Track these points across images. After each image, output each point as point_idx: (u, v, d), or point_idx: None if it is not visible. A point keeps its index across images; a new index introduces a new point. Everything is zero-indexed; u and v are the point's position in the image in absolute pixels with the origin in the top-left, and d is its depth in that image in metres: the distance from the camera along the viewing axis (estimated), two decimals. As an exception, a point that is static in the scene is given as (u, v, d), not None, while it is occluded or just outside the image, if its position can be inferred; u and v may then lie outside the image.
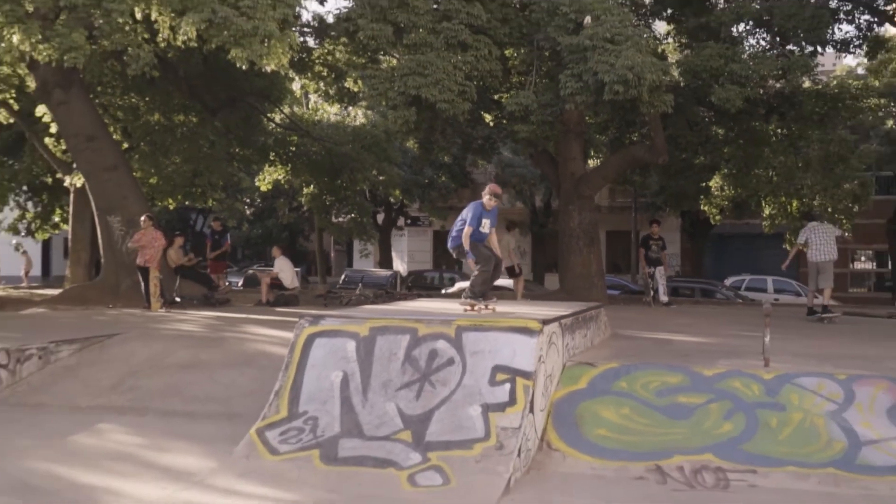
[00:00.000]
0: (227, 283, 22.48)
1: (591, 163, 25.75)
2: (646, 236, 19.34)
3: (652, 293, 19.21)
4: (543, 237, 38.31)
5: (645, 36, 17.50)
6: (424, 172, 34.74)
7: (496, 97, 20.19)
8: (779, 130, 22.68)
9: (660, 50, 20.15)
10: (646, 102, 16.25)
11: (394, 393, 8.48)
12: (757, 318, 12.16)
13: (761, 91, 19.38)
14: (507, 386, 8.27)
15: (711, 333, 12.90)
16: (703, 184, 26.82)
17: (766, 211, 26.17)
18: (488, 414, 8.07)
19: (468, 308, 10.05)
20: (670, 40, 22.86)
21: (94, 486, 7.57)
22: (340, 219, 33.47)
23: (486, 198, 10.27)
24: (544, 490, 7.47)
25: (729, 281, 30.78)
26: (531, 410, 8.17)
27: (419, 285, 31.34)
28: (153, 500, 7.18)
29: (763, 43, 20.48)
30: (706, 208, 28.79)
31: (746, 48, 19.92)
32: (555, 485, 7.63)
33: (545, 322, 8.88)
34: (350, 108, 30.51)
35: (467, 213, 10.22)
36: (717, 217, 29.70)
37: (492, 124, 21.79)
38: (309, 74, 24.00)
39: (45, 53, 15.58)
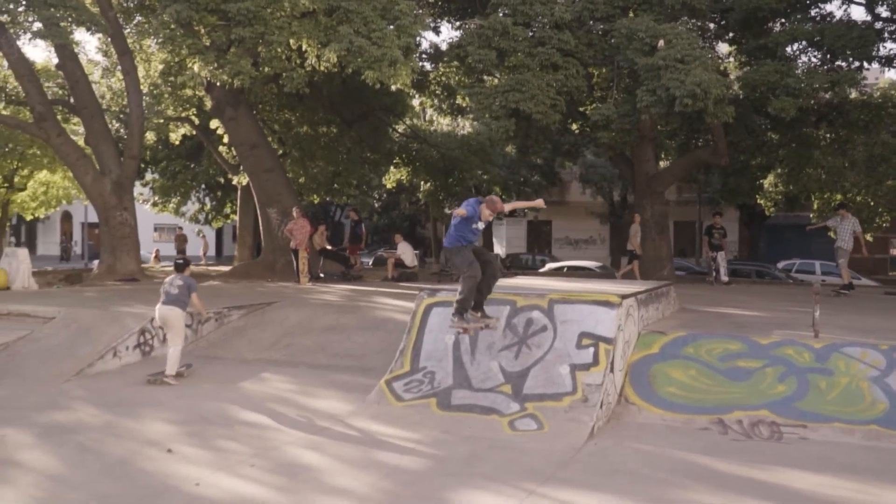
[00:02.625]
0: (360, 263, 22.83)
1: (662, 164, 25.06)
2: (709, 225, 18.82)
3: (714, 274, 18.63)
4: (620, 227, 37.61)
5: (710, 56, 16.89)
6: (520, 172, 34.47)
7: (582, 109, 19.84)
8: (828, 135, 21.60)
9: (722, 68, 19.42)
10: (711, 113, 15.73)
11: (496, 353, 8.50)
12: (807, 296, 11.65)
13: (812, 102, 18.43)
14: (591, 349, 8.19)
15: (766, 308, 12.43)
16: (759, 181, 25.88)
17: (816, 205, 25.01)
18: (575, 372, 8.01)
19: (461, 331, 8.09)
20: (732, 59, 22.03)
21: (259, 422, 7.84)
22: (450, 211, 33.58)
23: (486, 212, 8.04)
24: (622, 436, 7.37)
25: (781, 265, 29.52)
26: (611, 370, 8.06)
27: (515, 266, 31.26)
28: (306, 435, 7.39)
29: (815, 60, 19.46)
30: (762, 202, 27.80)
31: (800, 65, 19.00)
32: (631, 432, 7.51)
33: (624, 297, 8.76)
34: (459, 119, 30.51)
35: (466, 206, 8.10)
36: (772, 209, 28.64)
37: (577, 132, 21.48)
38: (426, 92, 24.15)
39: (219, 78, 16.10)
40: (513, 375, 8.20)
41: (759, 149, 22.28)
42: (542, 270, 27.83)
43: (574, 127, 21.24)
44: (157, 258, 29.50)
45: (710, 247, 18.50)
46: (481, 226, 8.24)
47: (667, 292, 11.56)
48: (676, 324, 10.08)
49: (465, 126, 30.68)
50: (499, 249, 39.34)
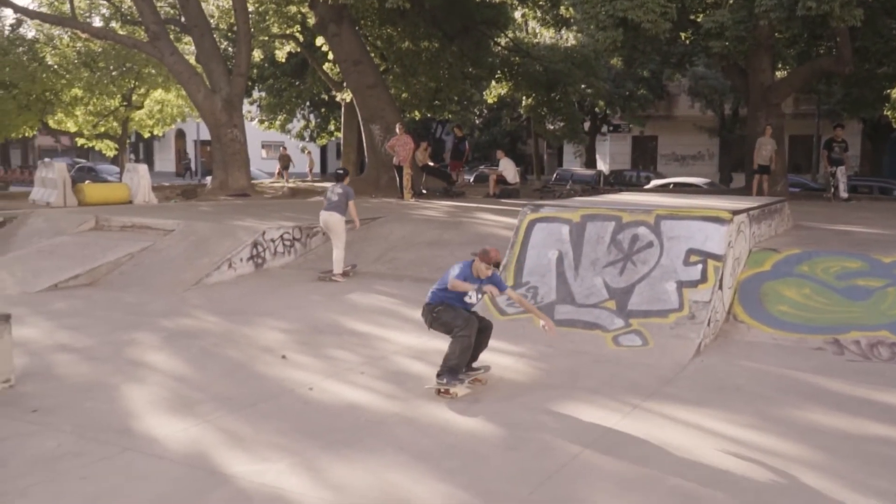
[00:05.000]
0: (462, 179, 22.83)
1: (778, 74, 23.61)
2: (829, 139, 17.78)
3: (832, 190, 17.68)
4: (730, 141, 36.02)
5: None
6: (625, 85, 33.26)
7: (693, 17, 18.78)
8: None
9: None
10: (836, 16, 14.55)
11: (601, 269, 8.38)
12: (936, 214, 10.92)
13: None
14: (700, 266, 7.96)
15: (889, 226, 11.72)
16: (886, 91, 24.01)
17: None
18: (682, 289, 7.82)
19: (442, 391, 6.01)
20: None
21: (367, 332, 8.08)
22: (553, 126, 32.93)
23: (481, 265, 6.12)
24: (730, 354, 7.21)
25: (906, 181, 27.70)
26: (720, 287, 7.84)
27: (619, 182, 30.53)
28: (412, 345, 7.57)
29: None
30: (888, 114, 25.86)
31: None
32: (739, 350, 7.34)
33: (735, 213, 8.43)
34: (563, 31, 29.54)
35: (453, 270, 6.25)
36: (899, 122, 26.70)
37: (688, 41, 20.42)
38: (529, 3, 23.40)
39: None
40: (617, 291, 8.09)
41: (889, 55, 20.57)
42: (646, 187, 27.11)
43: (684, 36, 20.17)
44: (280, 174, 30.34)
45: (829, 161, 17.53)
46: (475, 299, 6.36)
47: (780, 209, 11.05)
48: (790, 241, 9.66)
49: (569, 38, 29.66)
50: (602, 166, 38.47)
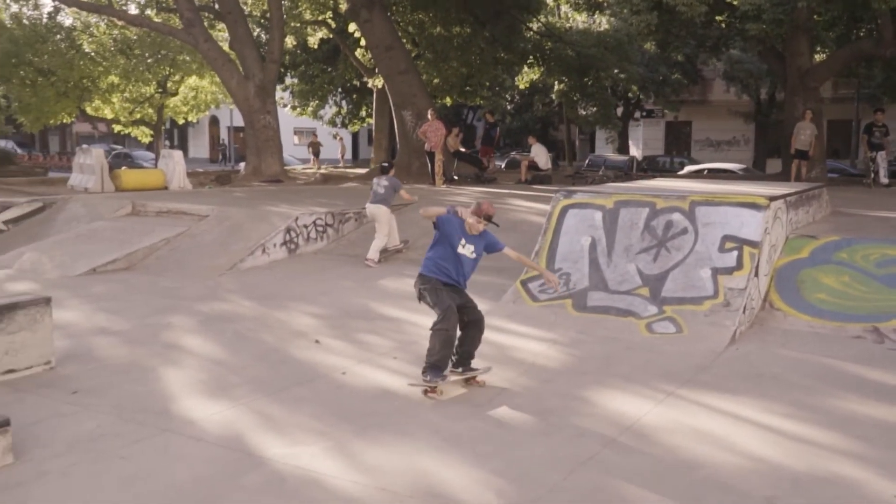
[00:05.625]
0: (494, 165, 22.75)
1: (817, 57, 23.14)
2: (869, 123, 17.37)
3: (872, 176, 17.29)
4: (767, 126, 35.41)
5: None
6: (659, 70, 32.85)
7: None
8: None
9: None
10: (878, -2, 14.26)
11: (634, 256, 8.31)
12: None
13: None
14: (735, 253, 7.86)
15: (931, 213, 11.45)
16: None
17: None
18: (717, 276, 7.73)
19: (428, 391, 5.62)
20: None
21: (398, 317, 8.11)
22: (585, 112, 32.66)
23: (471, 219, 5.78)
24: (766, 342, 7.11)
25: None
26: (756, 274, 7.73)
27: (652, 168, 30.19)
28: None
29: None
30: (930, 98, 25.23)
31: None
32: (775, 338, 7.23)
33: (772, 199, 8.30)
34: (596, 15, 29.23)
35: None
36: (942, 106, 25.99)
37: (724, 24, 20.05)
38: (562, -13, 23.20)
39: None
40: (651, 278, 8.02)
41: (933, 38, 20.09)
42: (680, 173, 26.80)
43: (720, 19, 19.83)
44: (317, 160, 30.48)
45: (869, 146, 17.15)
46: (470, 251, 5.80)
47: (818, 195, 10.86)
48: (829, 228, 9.50)
49: (602, 22, 29.33)
50: (634, 151, 38.07)
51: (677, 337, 7.20)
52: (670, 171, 28.48)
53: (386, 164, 12.02)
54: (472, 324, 5.79)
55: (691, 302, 7.60)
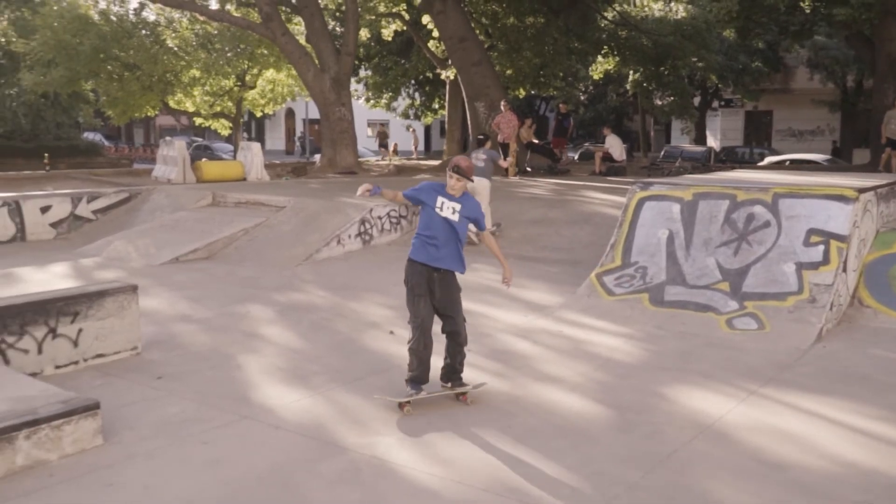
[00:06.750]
0: (567, 157, 22.49)
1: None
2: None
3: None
4: (854, 115, 33.98)
5: None
6: (739, 58, 31.86)
7: (816, -17, 17.81)
8: None
9: None
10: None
11: (713, 249, 8.08)
12: None
13: None
14: (821, 247, 7.55)
15: None
16: None
17: None
18: (802, 271, 7.44)
19: (404, 403, 5.21)
20: None
21: (471, 309, 7.99)
22: (661, 102, 31.98)
23: (451, 180, 5.27)
24: (855, 341, 6.82)
25: None
26: (844, 270, 7.41)
27: (731, 159, 29.35)
28: (518, 323, 7.52)
29: None
30: None
31: None
32: (865, 336, 6.93)
33: (861, 191, 7.93)
34: (672, 3, 28.55)
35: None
36: None
37: (809, 9, 19.30)
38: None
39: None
40: (731, 273, 7.78)
41: None
42: (761, 164, 25.96)
43: (805, 4, 19.11)
44: (396, 151, 30.72)
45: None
46: (452, 211, 5.24)
47: (912, 187, 10.34)
48: (923, 222, 9.04)
49: (679, 10, 28.66)
50: (712, 142, 37.12)
51: (759, 334, 6.97)
52: (750, 163, 27.63)
53: (482, 137, 12.02)
54: (449, 336, 5.34)
55: (774, 298, 7.34)
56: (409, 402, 5.21)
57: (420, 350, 5.21)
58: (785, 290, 7.37)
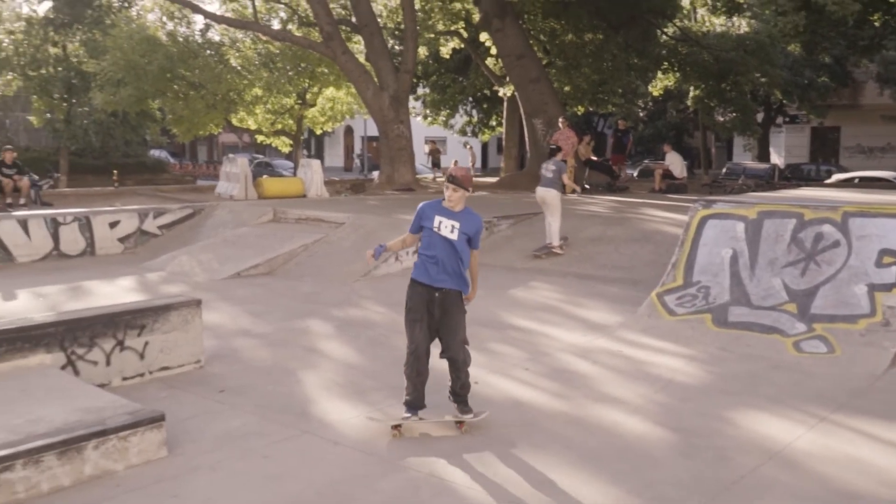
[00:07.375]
0: (626, 174, 22.26)
1: None
2: None
3: None
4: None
5: None
6: (804, 73, 31.14)
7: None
8: None
9: None
10: None
11: (779, 269, 7.87)
12: None
13: None
14: (894, 269, 7.28)
15: None
16: None
17: None
18: (874, 293, 7.19)
19: (394, 427, 5.11)
20: None
21: (530, 328, 8.02)
22: (723, 118, 31.44)
23: (448, 190, 5.13)
24: (931, 366, 6.54)
25: None
26: (919, 292, 7.13)
27: (796, 177, 28.64)
28: (577, 343, 7.44)
29: None
30: None
31: None
32: (942, 363, 6.64)
33: (937, 210, 7.64)
34: (735, 18, 28.10)
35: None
36: None
37: (878, 24, 18.78)
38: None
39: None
40: (798, 294, 7.56)
41: None
42: (828, 182, 25.28)
43: (875, 17, 18.60)
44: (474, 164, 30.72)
45: None
46: (450, 229, 5.11)
47: None
48: None
49: (742, 25, 28.19)
50: (776, 159, 36.31)
51: (829, 357, 6.75)
52: (816, 180, 26.93)
53: (554, 147, 12.16)
54: (449, 362, 5.21)
55: (844, 320, 7.11)
56: (399, 426, 5.11)
57: (413, 377, 5.14)
58: (856, 312, 7.14)
